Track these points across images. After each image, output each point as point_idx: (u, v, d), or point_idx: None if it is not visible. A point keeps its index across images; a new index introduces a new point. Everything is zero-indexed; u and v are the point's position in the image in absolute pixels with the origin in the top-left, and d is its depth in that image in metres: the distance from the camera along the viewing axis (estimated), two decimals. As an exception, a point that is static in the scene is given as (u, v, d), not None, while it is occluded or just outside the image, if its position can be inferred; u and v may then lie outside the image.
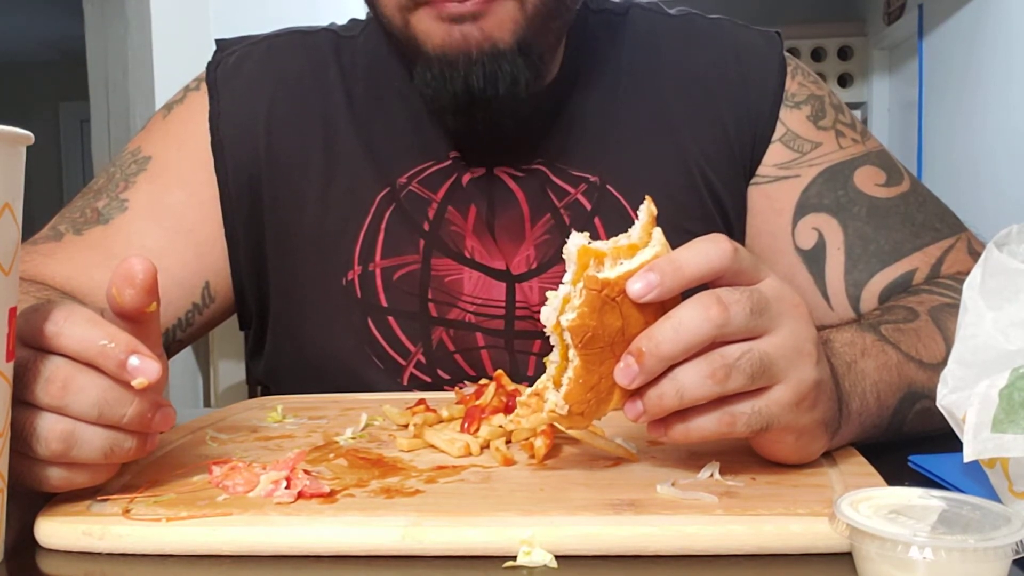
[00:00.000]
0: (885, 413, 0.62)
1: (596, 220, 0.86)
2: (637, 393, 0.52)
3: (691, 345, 0.50)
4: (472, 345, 0.85)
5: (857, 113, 2.13)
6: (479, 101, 0.77)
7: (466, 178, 0.86)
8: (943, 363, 0.66)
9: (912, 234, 0.85)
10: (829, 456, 0.58)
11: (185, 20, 1.91)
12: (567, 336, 0.51)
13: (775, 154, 0.89)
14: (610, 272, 0.51)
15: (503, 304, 0.85)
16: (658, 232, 0.53)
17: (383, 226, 0.86)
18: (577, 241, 0.51)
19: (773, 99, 0.89)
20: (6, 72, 6.41)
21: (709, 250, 0.52)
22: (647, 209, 0.53)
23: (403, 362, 0.85)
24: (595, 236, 0.84)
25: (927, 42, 1.79)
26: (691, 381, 0.50)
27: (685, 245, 0.52)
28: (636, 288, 0.50)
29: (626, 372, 0.51)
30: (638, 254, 0.52)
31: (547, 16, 0.78)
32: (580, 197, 0.86)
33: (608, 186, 0.87)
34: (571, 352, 0.51)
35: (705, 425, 0.51)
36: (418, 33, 0.77)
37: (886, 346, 0.65)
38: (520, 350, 0.85)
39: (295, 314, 0.89)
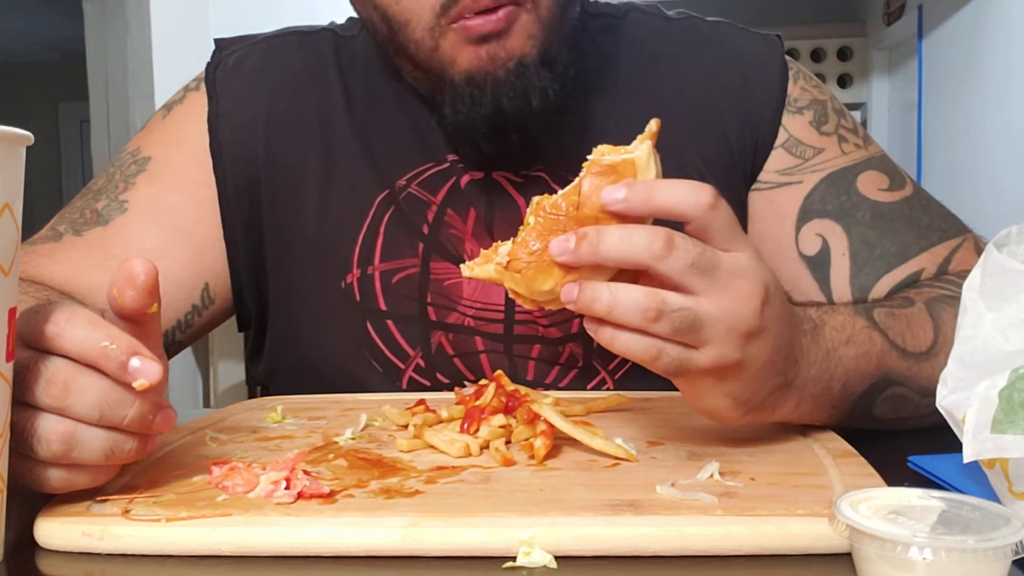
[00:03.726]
0: (850, 398, 0.64)
1: None
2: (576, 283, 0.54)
3: (625, 260, 0.53)
4: (471, 349, 0.85)
5: (857, 114, 2.12)
6: (513, 120, 0.77)
7: (464, 180, 0.86)
8: (928, 352, 0.69)
9: (918, 236, 0.85)
10: (829, 456, 0.58)
11: (185, 20, 1.91)
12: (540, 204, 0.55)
13: (777, 160, 0.88)
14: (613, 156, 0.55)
15: (502, 308, 0.84)
16: (647, 147, 0.55)
17: (382, 229, 0.85)
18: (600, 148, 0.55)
19: (775, 104, 0.89)
20: (6, 72, 6.41)
21: (687, 193, 0.54)
22: (648, 127, 0.56)
23: (402, 366, 0.85)
24: None
25: (927, 43, 1.78)
26: (624, 305, 0.53)
27: (673, 180, 0.54)
28: (607, 196, 0.53)
29: (561, 245, 0.53)
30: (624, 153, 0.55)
31: (559, 24, 0.78)
32: None
33: None
34: (530, 217, 0.55)
35: (631, 345, 0.54)
36: (444, 57, 0.76)
37: (874, 333, 0.66)
38: (519, 354, 0.85)
39: (293, 316, 0.89)
